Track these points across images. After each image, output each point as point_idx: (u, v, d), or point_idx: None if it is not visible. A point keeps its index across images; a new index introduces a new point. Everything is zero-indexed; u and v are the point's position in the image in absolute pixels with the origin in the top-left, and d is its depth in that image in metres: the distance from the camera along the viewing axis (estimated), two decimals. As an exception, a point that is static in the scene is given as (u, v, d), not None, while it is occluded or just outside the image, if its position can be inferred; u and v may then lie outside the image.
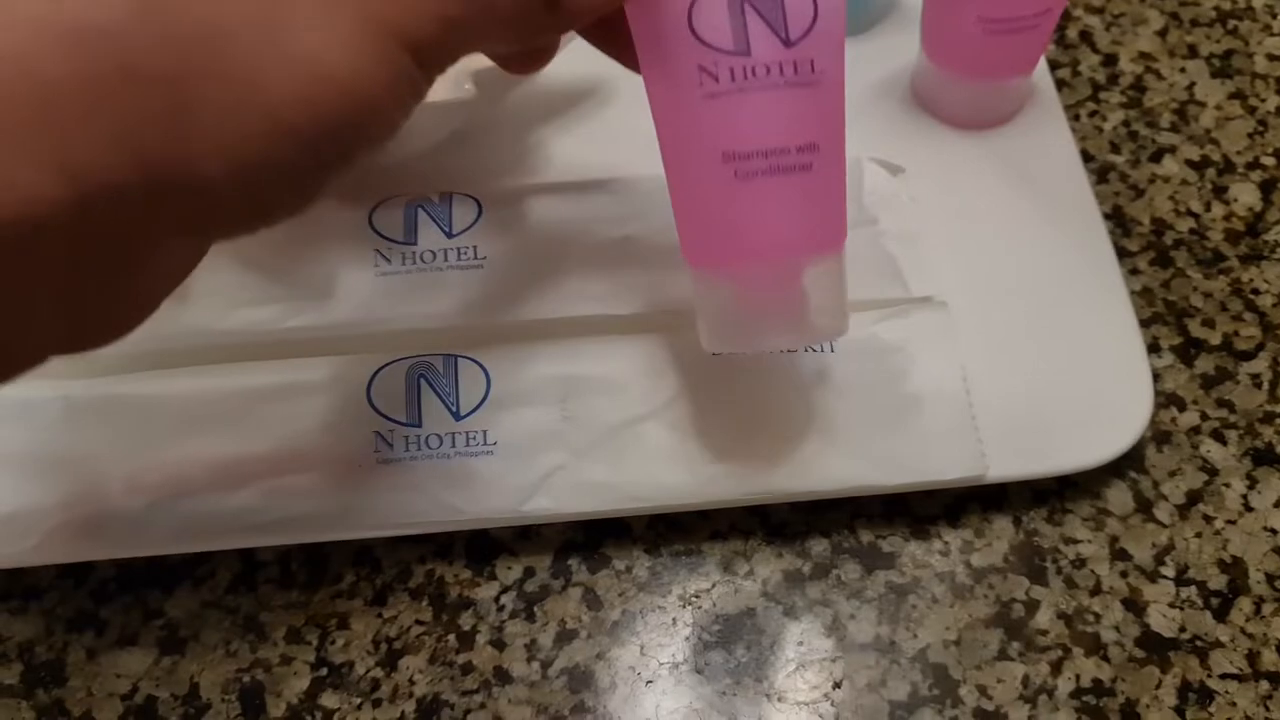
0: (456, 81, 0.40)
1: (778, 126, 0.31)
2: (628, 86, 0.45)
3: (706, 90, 0.31)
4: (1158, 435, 0.41)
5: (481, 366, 0.38)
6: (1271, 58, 0.51)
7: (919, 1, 0.44)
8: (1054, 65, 0.50)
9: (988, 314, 0.41)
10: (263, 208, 0.24)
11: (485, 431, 0.38)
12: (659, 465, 0.38)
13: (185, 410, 0.38)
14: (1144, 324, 0.43)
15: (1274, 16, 0.52)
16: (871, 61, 0.47)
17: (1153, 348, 0.43)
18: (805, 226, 0.32)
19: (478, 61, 0.40)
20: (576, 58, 0.43)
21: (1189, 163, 0.48)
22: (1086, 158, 0.47)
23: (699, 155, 0.32)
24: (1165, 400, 0.42)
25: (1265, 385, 0.42)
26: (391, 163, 0.43)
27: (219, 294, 0.40)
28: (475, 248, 0.41)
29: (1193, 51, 0.51)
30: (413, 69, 0.25)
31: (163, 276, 0.26)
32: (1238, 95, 0.49)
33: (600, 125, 0.46)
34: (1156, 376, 0.42)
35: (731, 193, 0.32)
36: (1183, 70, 0.50)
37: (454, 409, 0.38)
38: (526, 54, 0.34)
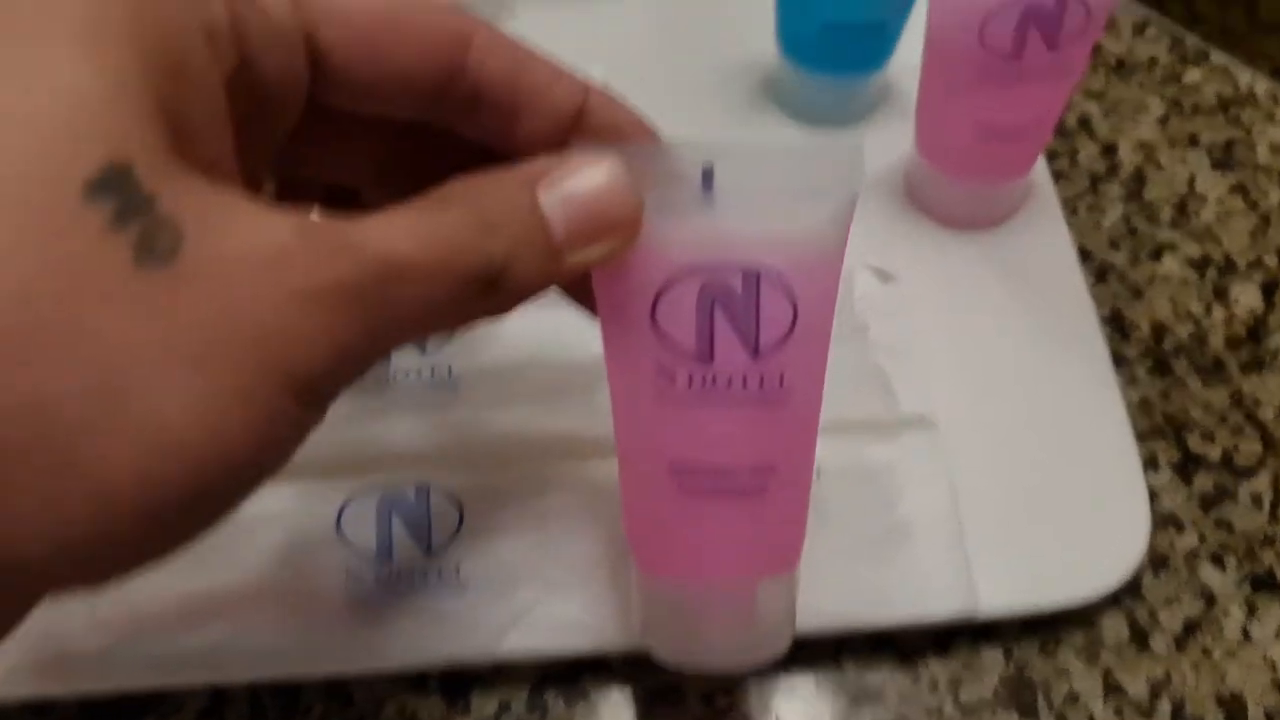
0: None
1: (729, 445, 0.29)
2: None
3: (662, 391, 0.28)
4: (1155, 559, 0.40)
5: (454, 497, 0.37)
6: (1274, 149, 0.49)
7: (913, 91, 0.43)
8: (1051, 155, 0.49)
9: (980, 431, 0.40)
10: (105, 574, 0.21)
11: (458, 566, 0.36)
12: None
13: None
14: (1142, 438, 0.42)
15: (1277, 104, 0.51)
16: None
17: (1150, 463, 0.42)
18: (752, 552, 0.30)
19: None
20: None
21: (1189, 261, 0.46)
22: (1084, 255, 0.46)
23: (648, 457, 0.29)
24: (1163, 521, 0.41)
25: (1265, 505, 0.41)
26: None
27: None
28: (450, 366, 0.39)
29: (1193, 141, 0.50)
30: (296, 412, 0.21)
31: None
32: (1239, 189, 0.48)
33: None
34: (1154, 495, 0.41)
35: (677, 506, 0.29)
36: (1183, 161, 0.49)
37: (425, 543, 0.37)
38: None
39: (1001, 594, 0.37)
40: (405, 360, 0.39)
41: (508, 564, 0.36)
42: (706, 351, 0.28)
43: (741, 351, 0.28)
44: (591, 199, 0.25)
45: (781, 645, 0.32)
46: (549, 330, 0.40)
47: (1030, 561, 0.38)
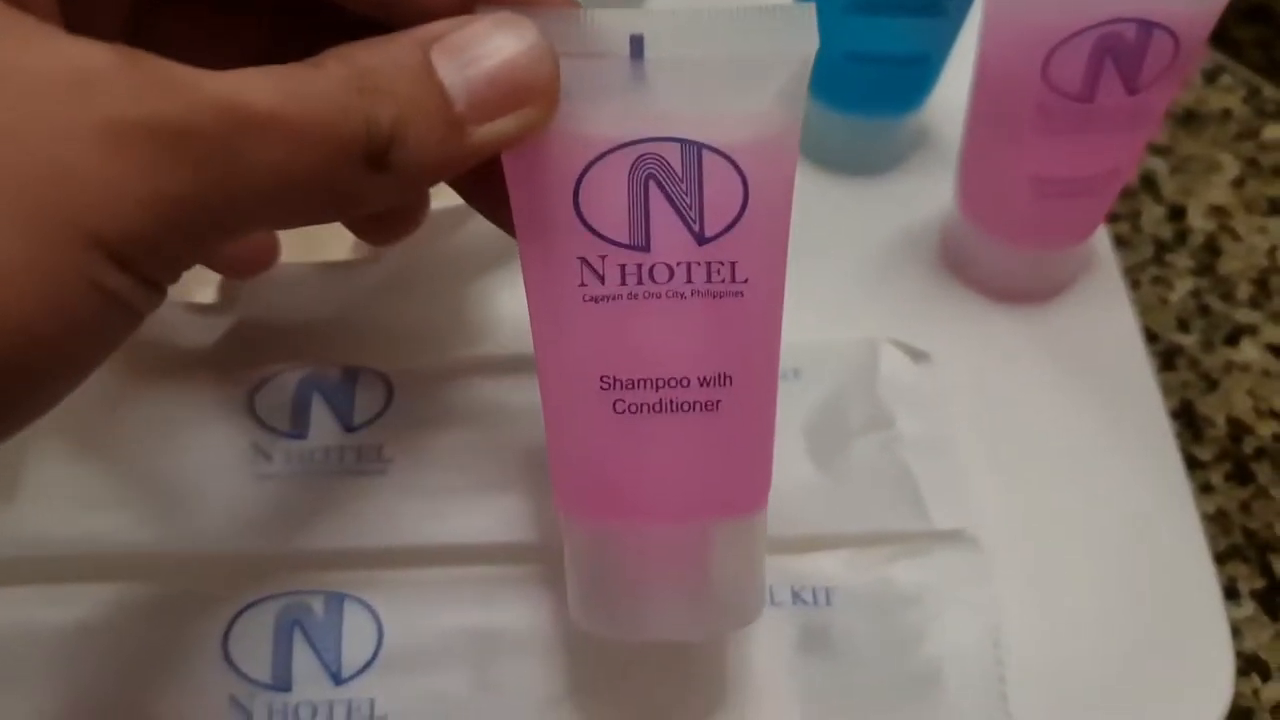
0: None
1: (675, 350, 0.24)
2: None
3: (589, 291, 0.24)
4: (1236, 712, 0.33)
5: (373, 612, 0.30)
6: (1369, 218, 0.43)
7: (955, 136, 0.36)
8: (1112, 218, 0.42)
9: (1026, 551, 0.33)
10: None
11: (372, 700, 0.29)
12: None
13: (-6, 651, 0.29)
14: (1219, 559, 0.35)
15: (1371, 167, 0.44)
16: (893, 211, 0.39)
17: (1230, 592, 0.35)
18: (705, 483, 0.25)
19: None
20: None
21: (1272, 348, 0.39)
22: (1150, 337, 0.39)
23: (572, 375, 0.25)
24: (1244, 665, 0.34)
25: (1371, 649, 0.34)
26: (286, 325, 0.34)
27: (58, 492, 0.32)
28: (380, 448, 0.32)
29: (1274, 207, 0.43)
30: (113, 281, 0.17)
31: None
32: (1329, 264, 0.41)
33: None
34: (1235, 632, 0.34)
35: (609, 431, 0.24)
36: (1262, 230, 0.42)
37: (333, 669, 0.29)
38: (377, 220, 0.27)
39: (1051, 757, 0.30)
40: (328, 435, 0.32)
41: (437, 703, 0.29)
42: (642, 239, 0.24)
43: (684, 236, 0.24)
44: (499, 63, 0.21)
45: (749, 610, 0.26)
46: (501, 400, 0.33)
47: (1086, 715, 0.31)
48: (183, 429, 0.33)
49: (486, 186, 0.25)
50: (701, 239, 0.24)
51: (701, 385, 0.24)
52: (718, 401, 0.24)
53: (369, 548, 0.31)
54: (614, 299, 0.24)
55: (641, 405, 0.24)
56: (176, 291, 0.33)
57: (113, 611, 0.30)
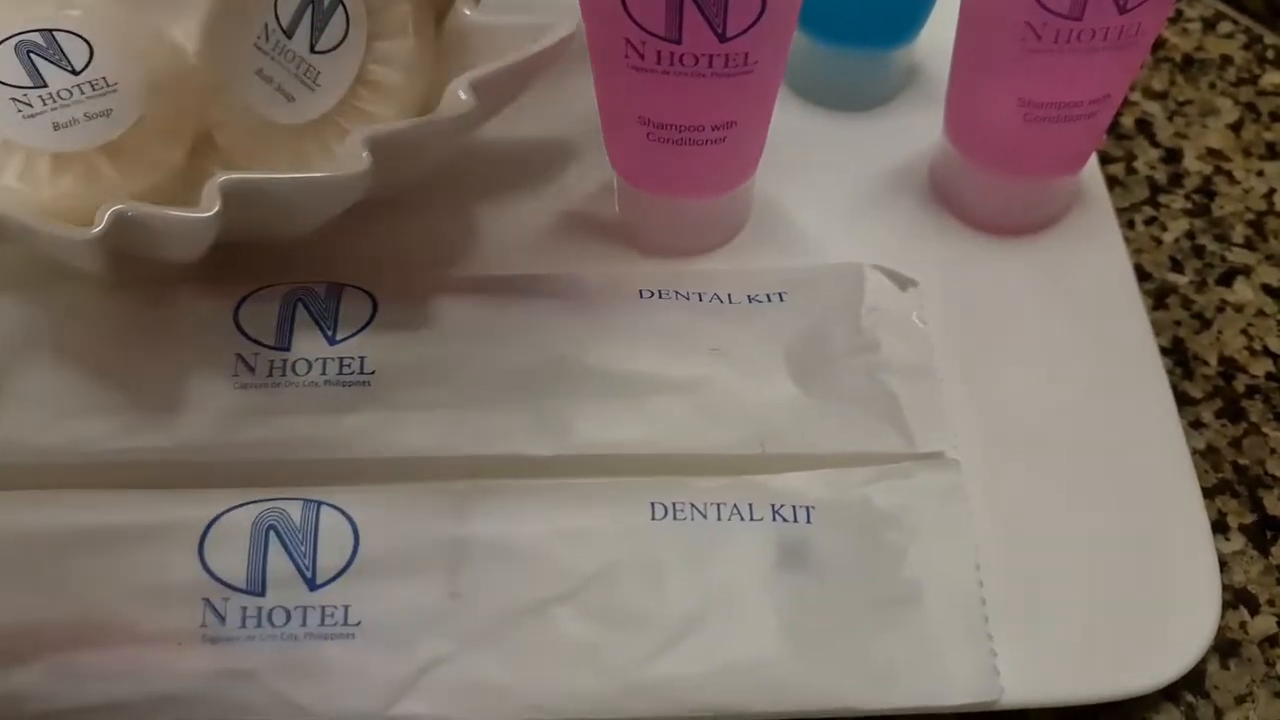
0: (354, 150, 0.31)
1: (695, 110, 0.32)
2: (578, 155, 0.38)
3: (632, 63, 0.31)
4: (1223, 645, 0.32)
5: (349, 518, 0.30)
6: (1369, 164, 0.42)
7: (943, 72, 0.36)
8: (1105, 159, 0.42)
9: (1010, 476, 0.33)
10: None
11: (347, 607, 0.29)
12: (571, 666, 0.29)
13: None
14: (1209, 494, 0.35)
15: (1372, 113, 0.43)
16: (883, 144, 0.39)
17: (1219, 526, 0.34)
18: (714, 180, 0.35)
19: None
20: (527, 116, 0.36)
21: (1266, 289, 0.39)
22: (1142, 275, 0.39)
23: (622, 107, 0.33)
24: (1233, 599, 0.33)
25: (1360, 584, 0.33)
26: (274, 241, 0.34)
27: (39, 400, 0.32)
28: (362, 359, 0.32)
29: (1272, 151, 0.42)
30: None
31: None
32: (1327, 208, 0.41)
33: (541, 207, 0.38)
34: (1223, 566, 0.33)
35: (645, 148, 0.33)
36: (1260, 174, 0.42)
37: (309, 575, 0.29)
38: None
39: (1031, 680, 0.30)
40: (311, 348, 0.32)
41: (410, 609, 0.29)
42: (675, 35, 0.30)
43: (709, 36, 0.30)
44: None
45: (734, 234, 0.37)
46: (486, 320, 0.33)
47: (1068, 641, 0.31)
48: (167, 339, 0.33)
49: None
50: (723, 38, 0.30)
51: (713, 129, 0.32)
52: (724, 138, 0.33)
53: (348, 458, 0.31)
54: (650, 71, 0.31)
55: (666, 139, 0.33)
56: (164, 199, 0.34)
57: (92, 515, 0.30)
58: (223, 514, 0.30)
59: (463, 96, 0.32)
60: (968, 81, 0.35)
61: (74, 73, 0.35)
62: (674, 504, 0.30)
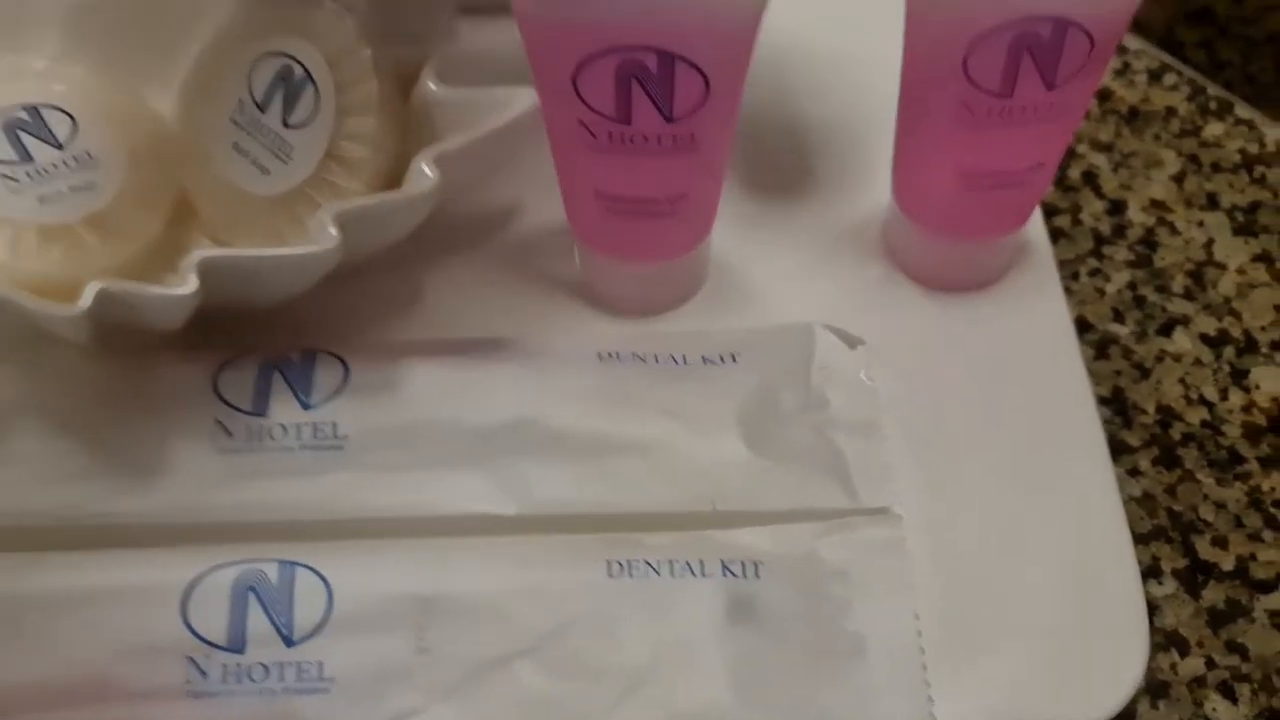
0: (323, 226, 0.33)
1: (647, 184, 0.34)
2: (541, 218, 0.39)
3: (586, 142, 0.33)
4: (1153, 686, 0.34)
5: (323, 579, 0.31)
6: (1305, 214, 0.44)
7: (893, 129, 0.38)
8: (1051, 212, 0.43)
9: (950, 529, 0.34)
10: None
11: (321, 663, 0.30)
12: (533, 718, 0.30)
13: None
14: (1143, 539, 0.36)
15: (1309, 164, 0.45)
16: (836, 202, 0.41)
17: (1152, 571, 0.36)
18: (666, 247, 0.37)
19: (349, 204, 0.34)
20: (489, 184, 0.38)
21: (1204, 338, 0.41)
22: (1084, 326, 0.41)
23: (578, 185, 0.35)
24: (1164, 641, 0.35)
25: (1287, 626, 0.35)
26: (250, 309, 0.36)
27: (27, 464, 0.34)
28: (334, 425, 0.34)
29: (1213, 202, 0.44)
30: None
31: None
32: (1263, 258, 0.43)
33: (506, 267, 0.39)
34: (1155, 609, 0.35)
35: (603, 218, 0.35)
36: (1200, 224, 0.43)
37: (286, 632, 0.31)
38: None
39: (968, 725, 0.31)
40: (286, 414, 0.34)
41: (380, 664, 0.31)
42: (625, 117, 0.32)
43: (657, 118, 0.32)
44: None
45: (692, 293, 0.39)
46: (452, 384, 0.35)
47: (1004, 686, 0.32)
48: (149, 405, 0.34)
49: None
50: (670, 119, 0.32)
51: (666, 201, 0.34)
52: (676, 209, 0.35)
53: (322, 519, 0.33)
54: (603, 151, 0.33)
55: (621, 210, 0.34)
56: (147, 278, 0.35)
57: (77, 576, 0.31)
58: (204, 575, 0.31)
59: (426, 172, 0.34)
60: (909, 151, 0.36)
61: (58, 147, 0.36)
62: (629, 561, 0.32)
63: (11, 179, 0.35)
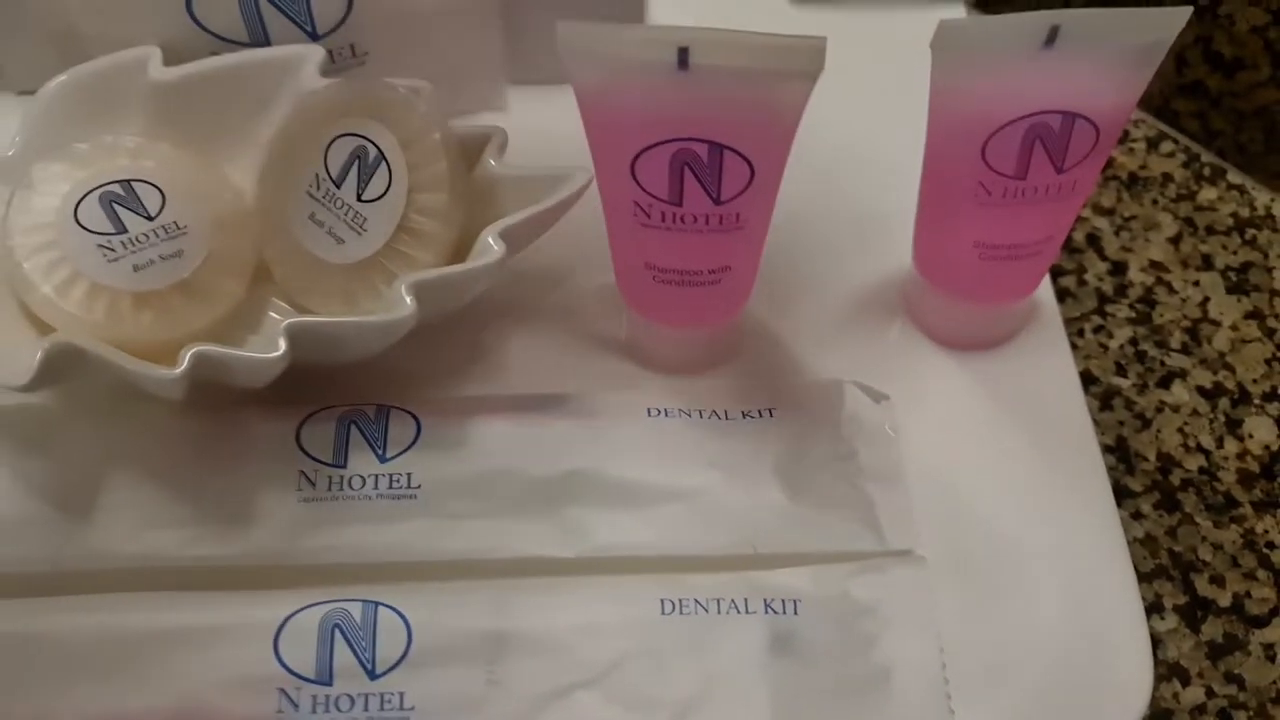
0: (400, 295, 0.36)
1: (695, 258, 0.37)
2: (592, 282, 0.42)
3: (640, 220, 0.36)
4: (1157, 715, 0.37)
5: (403, 617, 0.34)
6: (1293, 274, 0.47)
7: (912, 208, 0.41)
8: (1058, 273, 0.47)
9: (970, 567, 0.37)
10: None
11: (402, 694, 0.34)
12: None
13: (63, 652, 0.34)
14: (1146, 578, 0.39)
15: (1296, 227, 0.49)
16: (860, 269, 0.44)
17: (1155, 607, 0.39)
18: (710, 314, 0.40)
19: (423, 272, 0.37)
20: (545, 248, 0.41)
21: (1200, 390, 0.44)
22: (1090, 380, 0.44)
23: (631, 255, 0.38)
24: (1167, 672, 0.38)
25: None
26: (328, 370, 0.39)
27: (129, 510, 0.37)
28: (409, 475, 0.37)
29: (1207, 262, 0.48)
30: None
31: None
32: (1255, 315, 0.46)
33: (560, 327, 0.43)
34: (1158, 642, 0.38)
35: (652, 288, 0.38)
36: (1196, 284, 0.47)
37: (369, 666, 0.34)
38: None
39: (988, 750, 0.34)
40: (364, 465, 0.37)
41: (455, 695, 0.34)
42: (677, 199, 0.35)
43: (706, 201, 0.35)
44: None
45: (733, 354, 0.42)
46: (515, 439, 0.38)
47: (1019, 713, 0.35)
48: (238, 457, 0.37)
49: None
50: (717, 202, 0.35)
51: (710, 273, 0.37)
52: (720, 280, 0.38)
53: (400, 562, 0.36)
54: (655, 228, 0.36)
55: (670, 281, 0.38)
56: (230, 338, 0.39)
57: (179, 615, 0.35)
58: (294, 614, 0.34)
59: (494, 245, 0.37)
60: (930, 225, 0.40)
61: (149, 218, 0.39)
62: (679, 599, 0.35)
63: (109, 249, 0.39)
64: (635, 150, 0.34)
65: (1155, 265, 0.47)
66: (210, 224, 0.40)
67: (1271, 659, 0.38)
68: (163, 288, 0.39)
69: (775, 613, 0.35)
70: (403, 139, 0.39)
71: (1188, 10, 0.33)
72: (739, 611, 0.35)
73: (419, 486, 0.37)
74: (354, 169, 0.40)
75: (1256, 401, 0.44)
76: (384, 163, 0.39)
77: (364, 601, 0.35)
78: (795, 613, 0.35)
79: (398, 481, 0.37)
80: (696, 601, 0.35)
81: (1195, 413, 0.43)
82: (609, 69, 0.33)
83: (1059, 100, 0.35)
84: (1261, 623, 0.39)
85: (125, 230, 0.39)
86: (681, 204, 0.35)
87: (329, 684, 0.34)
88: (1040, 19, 0.33)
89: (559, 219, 0.39)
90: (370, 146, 0.39)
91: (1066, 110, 0.35)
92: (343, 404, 0.38)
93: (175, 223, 0.40)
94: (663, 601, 0.35)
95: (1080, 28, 0.33)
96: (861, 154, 0.47)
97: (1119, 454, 0.42)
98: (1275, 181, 0.49)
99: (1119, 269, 0.47)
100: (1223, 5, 0.49)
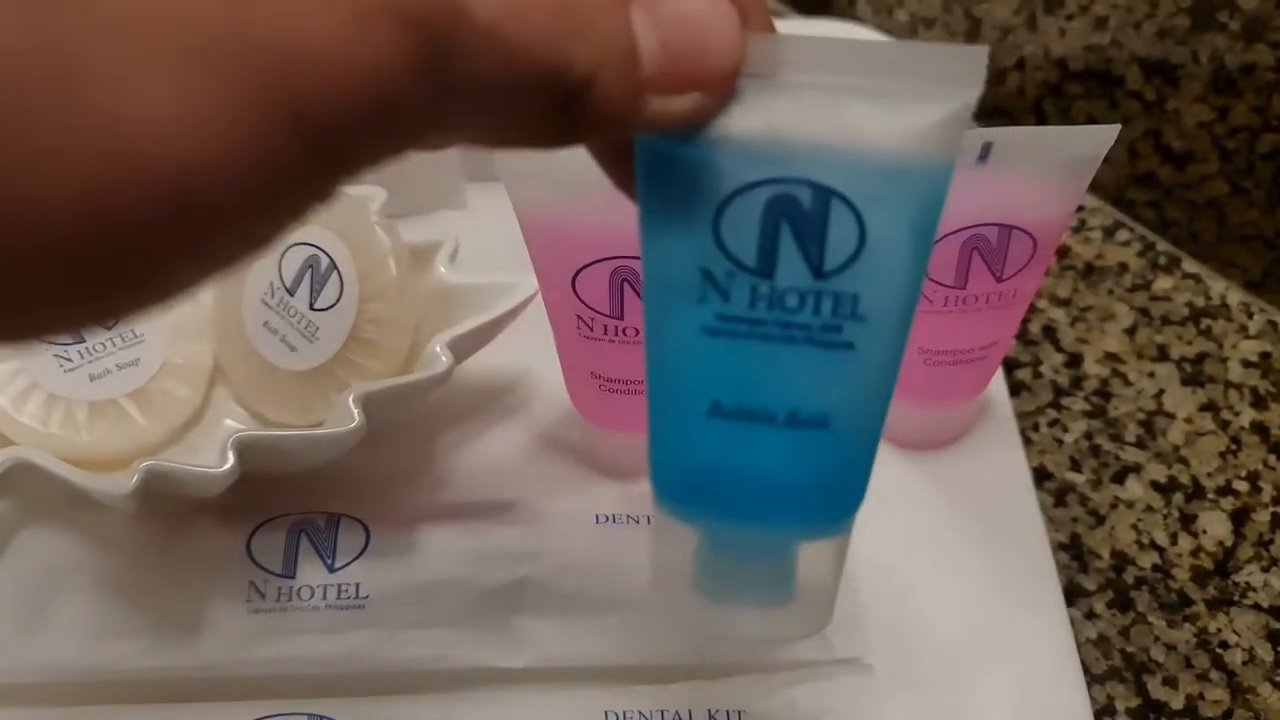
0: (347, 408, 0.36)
1: (639, 368, 0.27)
2: (544, 386, 0.43)
3: (583, 333, 0.36)
4: (1108, 823, 0.37)
5: (351, 732, 0.35)
6: (1247, 365, 0.47)
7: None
8: (1013, 365, 0.47)
9: (919, 674, 0.38)
10: (35, 328, 0.18)
11: (348, 813, 0.34)
12: None
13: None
14: (1099, 680, 0.39)
15: (1250, 317, 0.49)
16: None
17: (1107, 710, 0.39)
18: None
19: (371, 382, 0.37)
20: (495, 351, 0.41)
21: (1155, 485, 0.44)
22: (1044, 475, 0.44)
23: (578, 364, 0.36)
24: (1119, 778, 0.38)
25: (1231, 762, 0.38)
26: (278, 480, 0.39)
27: (73, 622, 0.37)
28: (357, 585, 0.37)
29: (1163, 353, 0.48)
30: (298, 150, 0.17)
31: None
32: (1209, 407, 0.46)
33: (512, 432, 0.43)
34: (1110, 746, 0.38)
35: (599, 396, 0.36)
36: (1151, 375, 0.47)
37: (315, 784, 0.34)
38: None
39: None
40: (313, 576, 0.37)
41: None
42: (618, 313, 0.34)
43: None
44: (692, 32, 0.21)
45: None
46: (463, 546, 0.38)
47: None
48: (188, 567, 0.38)
49: (624, 156, 0.24)
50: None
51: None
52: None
53: (346, 673, 0.36)
54: (598, 340, 0.36)
55: (615, 390, 0.36)
56: (184, 442, 0.39)
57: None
58: (238, 730, 0.35)
59: (442, 356, 0.38)
60: (876, 329, 0.40)
61: (106, 326, 0.40)
62: (624, 711, 0.35)
63: (65, 359, 0.39)
64: (576, 266, 0.35)
65: (1111, 356, 0.48)
66: (167, 332, 0.41)
67: (1224, 763, 0.38)
68: (118, 396, 0.40)
69: (721, 722, 0.35)
70: (354, 248, 0.39)
71: (1115, 128, 0.33)
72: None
73: (367, 596, 0.37)
74: (307, 278, 0.40)
75: (1210, 496, 0.44)
76: (335, 272, 0.40)
77: (309, 716, 0.35)
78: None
79: (346, 591, 0.37)
80: (640, 713, 0.35)
81: (1149, 508, 0.43)
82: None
83: (994, 213, 0.35)
84: (1214, 725, 0.39)
85: (82, 339, 0.40)
86: (623, 317, 0.35)
87: (274, 802, 0.34)
88: (972, 135, 0.34)
89: (506, 326, 0.40)
90: (323, 256, 0.40)
91: (1002, 223, 0.35)
92: (294, 512, 0.39)
93: (132, 330, 0.40)
94: (607, 714, 0.35)
95: (1012, 144, 0.34)
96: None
97: (1072, 552, 0.42)
98: (1229, 270, 0.50)
99: (1075, 361, 0.47)
100: (1169, 101, 0.49)
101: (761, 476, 0.25)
